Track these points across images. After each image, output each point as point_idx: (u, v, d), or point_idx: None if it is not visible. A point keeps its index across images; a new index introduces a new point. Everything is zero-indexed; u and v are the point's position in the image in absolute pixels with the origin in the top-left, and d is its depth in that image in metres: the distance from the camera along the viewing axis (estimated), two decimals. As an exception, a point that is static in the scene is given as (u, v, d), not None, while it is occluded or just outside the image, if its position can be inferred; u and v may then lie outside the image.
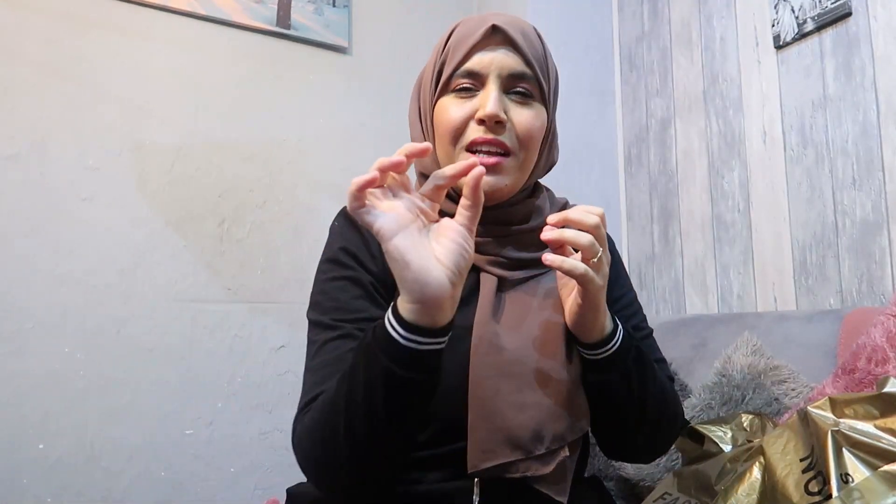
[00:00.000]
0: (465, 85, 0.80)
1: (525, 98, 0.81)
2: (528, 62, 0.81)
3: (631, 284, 0.99)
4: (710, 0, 1.70)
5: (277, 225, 1.73)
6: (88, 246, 1.49)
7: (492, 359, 0.75)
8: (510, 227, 0.83)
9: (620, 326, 0.77)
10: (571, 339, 0.78)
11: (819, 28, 1.41)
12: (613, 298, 0.90)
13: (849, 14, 1.35)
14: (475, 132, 0.78)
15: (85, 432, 1.44)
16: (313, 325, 0.80)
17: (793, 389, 1.12)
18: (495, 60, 0.79)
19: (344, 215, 0.87)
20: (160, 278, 1.56)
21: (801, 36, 1.44)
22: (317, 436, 0.70)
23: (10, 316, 1.40)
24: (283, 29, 1.76)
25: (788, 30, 1.47)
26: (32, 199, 1.45)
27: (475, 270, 0.82)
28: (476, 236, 0.75)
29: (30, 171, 1.45)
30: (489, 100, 0.78)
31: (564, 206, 0.92)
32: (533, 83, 0.82)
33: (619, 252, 1.91)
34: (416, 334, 0.62)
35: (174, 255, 1.58)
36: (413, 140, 0.87)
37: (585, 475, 0.90)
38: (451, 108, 0.80)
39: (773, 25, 1.51)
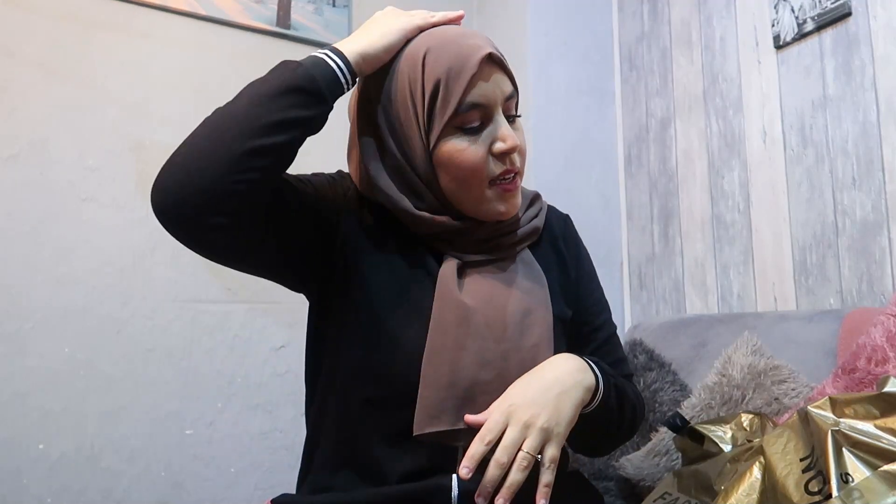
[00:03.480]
0: (475, 124, 0.77)
1: (515, 118, 0.82)
2: (513, 81, 0.81)
3: (597, 278, 0.99)
4: (710, 0, 1.70)
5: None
6: (88, 246, 1.49)
7: (451, 331, 0.76)
8: (480, 223, 0.84)
9: (601, 379, 0.80)
10: (539, 322, 0.80)
11: (819, 28, 1.41)
12: (582, 307, 0.92)
13: (849, 14, 1.35)
14: (498, 166, 0.78)
15: (85, 432, 1.44)
16: None
17: (793, 389, 1.13)
18: (493, 89, 0.77)
19: (342, 175, 0.90)
20: (160, 278, 1.56)
21: (801, 36, 1.45)
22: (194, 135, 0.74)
23: (10, 316, 1.40)
24: (283, 29, 1.76)
25: (788, 30, 1.47)
26: (32, 199, 1.45)
27: (435, 256, 0.83)
28: (445, 231, 0.81)
29: (30, 171, 1.45)
30: (507, 131, 0.77)
31: (534, 199, 0.92)
32: (516, 99, 0.82)
33: (619, 252, 1.91)
34: (338, 57, 0.75)
35: (174, 255, 1.58)
36: (380, 182, 0.81)
37: (575, 471, 0.92)
38: (469, 149, 0.76)
39: (773, 25, 1.51)
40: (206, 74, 1.67)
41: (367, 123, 0.84)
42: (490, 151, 0.77)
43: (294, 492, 0.86)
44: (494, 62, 0.77)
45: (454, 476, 0.76)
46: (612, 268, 1.90)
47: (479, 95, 0.76)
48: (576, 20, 1.95)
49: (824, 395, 0.97)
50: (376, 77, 0.81)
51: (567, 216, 0.99)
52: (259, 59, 1.75)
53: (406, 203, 0.80)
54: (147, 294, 1.55)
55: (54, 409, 1.42)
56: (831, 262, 1.37)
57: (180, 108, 1.63)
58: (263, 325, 1.67)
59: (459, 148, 0.77)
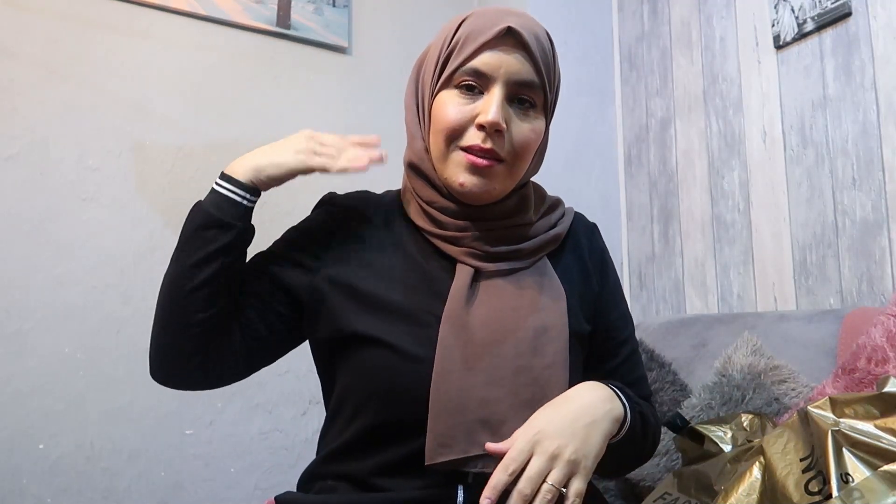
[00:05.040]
0: (469, 83, 0.77)
1: (527, 108, 0.80)
2: (538, 70, 0.79)
3: (622, 291, 0.97)
4: (710, 0, 1.70)
5: (277, 225, 1.71)
6: (88, 246, 1.49)
7: (459, 351, 0.74)
8: (493, 223, 0.82)
9: (628, 408, 0.78)
10: (555, 340, 0.78)
11: (819, 28, 1.41)
12: (605, 321, 0.90)
13: (849, 14, 1.35)
14: (474, 137, 0.77)
15: (85, 432, 1.44)
16: None
17: (793, 389, 1.13)
18: (504, 64, 0.77)
19: (325, 202, 0.91)
20: (160, 278, 1.55)
21: (801, 36, 1.45)
22: (157, 313, 0.83)
23: (10, 316, 1.40)
24: (283, 29, 1.76)
25: (788, 30, 1.47)
26: (32, 199, 1.45)
27: (451, 261, 0.81)
28: (457, 230, 0.81)
29: (30, 171, 1.45)
30: (492, 106, 0.75)
31: (554, 204, 0.91)
32: (538, 92, 0.80)
33: (619, 252, 1.91)
34: (227, 182, 0.80)
35: (174, 255, 1.58)
36: (407, 124, 0.86)
37: None
38: (452, 107, 0.78)
39: (773, 25, 1.51)
40: (206, 74, 1.67)
41: (411, 95, 0.87)
42: (473, 119, 0.77)
43: (294, 489, 0.86)
44: (517, 41, 0.77)
45: (459, 487, 0.74)
46: (612, 268, 1.90)
47: (483, 62, 0.77)
48: (576, 20, 1.95)
49: (824, 395, 0.97)
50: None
51: (594, 225, 0.96)
52: (259, 59, 1.76)
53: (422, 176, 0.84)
54: (147, 294, 1.55)
55: (54, 409, 1.42)
56: (831, 262, 1.37)
57: (180, 108, 1.63)
58: (263, 325, 1.66)
59: (448, 102, 0.78)
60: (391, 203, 0.90)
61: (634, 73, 1.94)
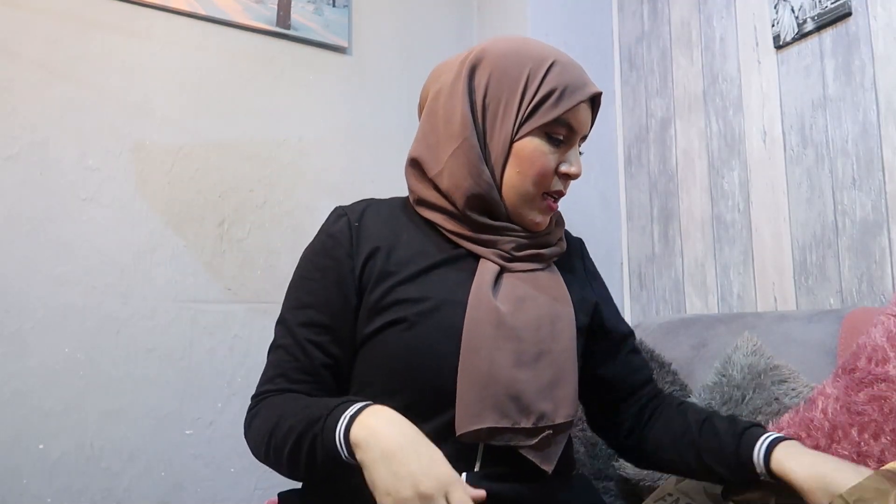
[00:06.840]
0: (560, 136, 0.85)
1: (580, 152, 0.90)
2: (591, 127, 0.89)
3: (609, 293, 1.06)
4: (709, 0, 1.70)
5: (277, 225, 1.73)
6: (88, 246, 1.49)
7: (488, 330, 0.78)
8: (527, 232, 0.88)
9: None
10: (568, 327, 0.83)
11: (819, 28, 1.41)
12: (608, 319, 0.97)
13: (849, 14, 1.35)
14: (558, 185, 0.86)
15: (85, 432, 1.44)
16: (288, 299, 0.87)
17: (793, 389, 1.13)
18: (586, 122, 0.87)
19: (337, 215, 0.89)
20: (160, 278, 1.56)
21: (801, 36, 1.45)
22: (259, 450, 0.83)
23: (10, 316, 1.40)
24: (282, 29, 1.76)
25: (788, 30, 1.47)
26: (32, 199, 1.45)
27: (475, 258, 0.86)
28: (486, 233, 0.86)
29: (30, 171, 1.45)
30: (577, 160, 0.87)
31: (561, 219, 0.97)
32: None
33: (619, 252, 1.91)
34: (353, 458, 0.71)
35: (174, 255, 1.58)
36: (461, 144, 0.84)
37: (574, 472, 0.92)
38: (543, 156, 0.84)
39: (773, 25, 1.51)
40: (206, 74, 1.67)
41: (465, 104, 0.85)
42: (556, 168, 0.85)
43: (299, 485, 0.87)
44: (596, 104, 0.88)
45: (465, 474, 0.76)
46: (612, 268, 1.90)
47: (574, 119, 0.85)
48: (576, 20, 1.95)
49: (825, 394, 0.97)
50: (488, 61, 0.86)
51: (581, 239, 1.05)
52: (259, 59, 1.76)
53: (467, 186, 0.84)
54: (147, 294, 1.55)
55: (54, 409, 1.42)
56: (831, 262, 1.37)
57: (180, 108, 1.63)
58: (263, 325, 1.66)
59: (543, 150, 0.84)
60: (401, 206, 0.93)
61: (634, 73, 1.94)
